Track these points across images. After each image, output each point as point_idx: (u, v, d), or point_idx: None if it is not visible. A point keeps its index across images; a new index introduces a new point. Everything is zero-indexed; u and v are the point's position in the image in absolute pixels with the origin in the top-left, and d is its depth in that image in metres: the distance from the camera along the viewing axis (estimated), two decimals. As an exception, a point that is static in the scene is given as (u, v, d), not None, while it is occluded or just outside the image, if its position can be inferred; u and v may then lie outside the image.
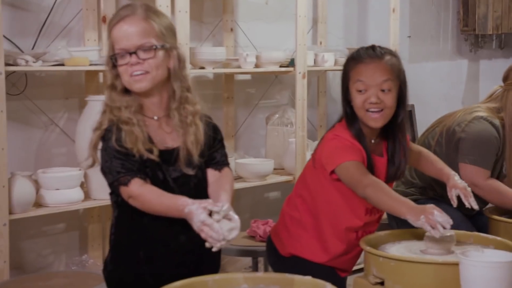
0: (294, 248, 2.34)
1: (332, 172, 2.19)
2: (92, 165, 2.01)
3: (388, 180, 2.30)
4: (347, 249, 2.34)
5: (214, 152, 2.07)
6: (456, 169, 2.75)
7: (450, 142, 2.78)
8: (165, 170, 1.97)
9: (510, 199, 2.70)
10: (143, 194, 1.88)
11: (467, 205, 2.23)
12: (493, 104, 2.82)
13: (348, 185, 2.19)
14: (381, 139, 2.30)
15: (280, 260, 2.39)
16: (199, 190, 2.03)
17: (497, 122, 2.75)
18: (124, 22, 1.92)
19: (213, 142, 2.08)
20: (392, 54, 2.23)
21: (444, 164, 2.34)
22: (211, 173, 2.07)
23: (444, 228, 1.99)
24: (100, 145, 1.97)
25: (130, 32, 1.91)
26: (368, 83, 2.17)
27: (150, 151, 1.92)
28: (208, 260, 2.07)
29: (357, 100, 2.19)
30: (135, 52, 1.91)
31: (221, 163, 2.09)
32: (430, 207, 2.02)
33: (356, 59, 2.21)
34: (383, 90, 2.17)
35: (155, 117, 2.00)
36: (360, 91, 2.18)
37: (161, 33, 1.95)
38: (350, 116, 2.24)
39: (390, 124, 2.24)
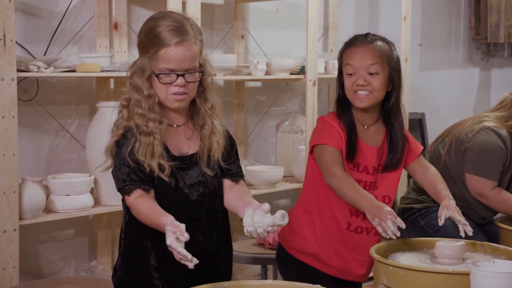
0: (294, 242, 2.36)
1: (312, 151, 2.29)
2: (108, 167, 2.04)
3: (385, 169, 2.33)
4: (341, 238, 2.33)
5: (230, 163, 2.10)
6: (464, 182, 2.76)
7: (458, 152, 2.78)
8: (180, 176, 1.98)
9: None
10: (137, 206, 1.93)
11: (461, 233, 2.20)
12: (501, 112, 2.82)
13: (320, 170, 2.27)
14: (381, 127, 2.34)
15: (283, 256, 2.41)
16: (213, 197, 2.05)
17: (504, 132, 2.74)
18: (182, 46, 1.93)
19: (230, 153, 2.10)
20: (384, 40, 2.31)
21: (445, 187, 2.32)
22: (227, 183, 2.10)
23: (395, 234, 2.05)
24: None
25: (185, 57, 1.94)
26: (356, 66, 2.25)
27: (162, 169, 1.94)
28: (219, 266, 2.07)
29: (347, 82, 2.28)
30: (183, 75, 1.94)
31: (237, 174, 2.12)
32: (386, 212, 2.06)
33: (348, 44, 2.31)
34: (371, 74, 2.23)
35: (175, 125, 2.03)
36: (349, 74, 2.27)
37: (201, 53, 2.00)
38: (342, 98, 2.32)
39: (384, 110, 2.31)
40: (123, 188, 1.94)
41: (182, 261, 1.77)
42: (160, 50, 1.92)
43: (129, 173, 1.93)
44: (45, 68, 2.93)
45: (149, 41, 1.95)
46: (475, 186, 2.74)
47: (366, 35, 2.30)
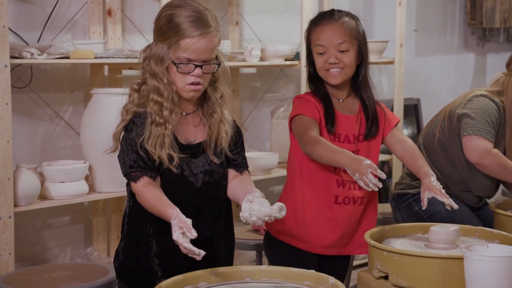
0: (280, 226, 2.37)
1: (291, 128, 2.32)
2: (114, 150, 2.04)
3: (366, 137, 2.37)
4: (328, 213, 2.35)
5: (236, 153, 2.11)
6: (460, 154, 2.74)
7: (451, 124, 2.77)
8: (186, 165, 1.99)
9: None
10: (143, 194, 1.93)
11: (446, 206, 2.21)
12: (493, 87, 2.83)
13: (297, 141, 2.30)
14: (355, 99, 2.39)
15: (270, 241, 2.43)
16: (218, 186, 2.06)
17: (497, 100, 2.75)
18: (204, 38, 1.93)
19: (236, 143, 2.11)
20: (350, 16, 2.34)
21: (425, 162, 2.34)
22: (231, 173, 2.11)
23: (377, 186, 2.06)
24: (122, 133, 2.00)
25: (206, 49, 1.95)
26: (326, 46, 2.30)
27: (171, 160, 1.94)
28: (220, 255, 2.08)
29: (318, 62, 2.32)
30: (201, 66, 1.95)
31: (242, 165, 2.13)
32: (366, 166, 2.07)
33: (315, 23, 2.34)
34: (341, 51, 2.28)
35: (184, 113, 2.03)
36: (320, 53, 2.30)
37: (219, 45, 2.01)
38: (313, 76, 2.38)
39: (356, 83, 2.37)
40: (130, 174, 1.95)
41: (189, 255, 1.79)
42: (182, 40, 1.93)
43: (136, 160, 1.93)
44: (39, 55, 2.93)
45: (170, 29, 1.94)
46: (476, 147, 2.65)
47: (332, 12, 2.34)
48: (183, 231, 1.78)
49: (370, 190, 2.08)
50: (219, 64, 2.01)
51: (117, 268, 2.08)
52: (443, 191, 2.24)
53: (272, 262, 2.43)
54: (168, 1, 2.06)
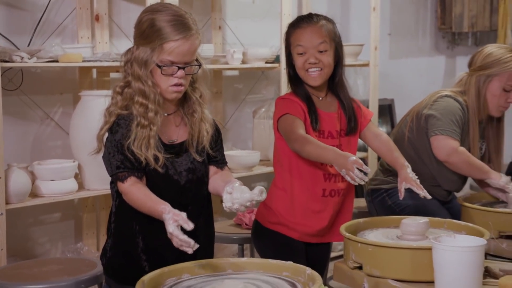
0: (270, 217, 2.39)
1: (278, 128, 2.31)
2: (98, 152, 2.01)
3: (348, 133, 2.38)
4: (315, 206, 2.36)
5: (216, 151, 2.10)
6: (428, 151, 2.76)
7: (419, 124, 2.78)
8: (170, 164, 1.98)
9: (479, 168, 2.71)
10: (131, 192, 1.91)
11: (421, 196, 2.23)
12: (457, 88, 2.85)
13: (285, 139, 2.29)
14: (333, 97, 2.41)
15: (259, 230, 2.44)
16: (200, 183, 2.05)
17: (461, 99, 2.77)
18: (187, 41, 1.92)
19: (216, 141, 2.11)
20: (327, 19, 2.36)
21: (400, 154, 2.36)
22: (212, 170, 2.10)
23: (363, 180, 2.07)
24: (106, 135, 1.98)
25: (188, 51, 1.93)
26: (306, 46, 2.30)
27: (156, 160, 1.93)
28: (202, 248, 2.08)
29: (298, 62, 2.33)
30: (183, 68, 1.94)
31: (222, 161, 2.13)
32: (352, 162, 2.07)
33: (295, 26, 2.35)
34: (320, 51, 2.29)
35: (166, 114, 2.01)
36: (300, 54, 2.31)
37: (199, 47, 2.00)
38: (293, 77, 2.38)
39: (333, 83, 2.38)
40: (117, 175, 1.92)
41: (182, 248, 1.77)
42: (166, 43, 1.91)
43: (123, 161, 1.91)
44: (29, 59, 2.91)
45: (153, 33, 1.92)
46: (443, 146, 2.67)
47: (310, 15, 2.36)
48: (178, 223, 1.77)
49: (356, 184, 2.09)
50: (200, 65, 2.01)
51: (105, 264, 2.06)
52: (418, 181, 2.25)
53: (261, 250, 2.44)
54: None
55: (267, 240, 2.41)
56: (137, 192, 1.91)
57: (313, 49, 2.29)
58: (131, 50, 1.99)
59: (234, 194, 1.86)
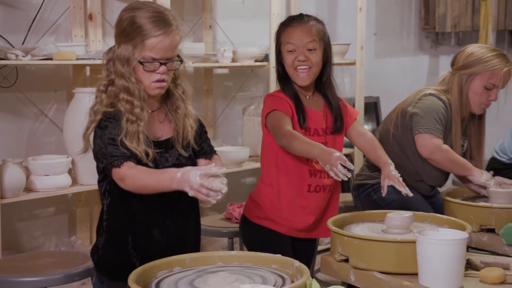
0: (257, 212, 2.38)
1: (266, 124, 2.31)
2: (85, 151, 1.98)
3: (334, 131, 2.38)
4: (301, 201, 2.35)
5: (201, 143, 2.09)
6: (413, 148, 2.76)
7: (404, 121, 2.79)
8: (159, 160, 1.95)
9: (461, 165, 2.72)
10: (131, 174, 1.84)
11: (402, 193, 2.24)
12: (440, 86, 2.86)
13: (272, 135, 2.29)
14: (320, 95, 2.41)
15: (247, 225, 2.44)
16: None
17: (444, 98, 2.78)
18: (168, 37, 1.90)
19: (200, 134, 2.10)
20: (317, 20, 2.37)
21: (384, 152, 2.37)
22: (202, 162, 2.09)
23: (346, 176, 2.07)
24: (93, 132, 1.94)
25: (169, 47, 1.92)
26: (296, 44, 2.31)
27: (147, 154, 1.91)
28: (190, 241, 2.07)
29: (288, 59, 2.33)
30: (165, 63, 1.92)
31: (210, 152, 2.12)
32: (336, 158, 2.07)
33: (286, 25, 2.36)
34: (309, 50, 2.29)
35: (150, 110, 1.99)
36: (290, 51, 2.32)
37: (179, 42, 1.97)
38: (282, 75, 2.38)
39: (320, 83, 2.38)
40: (112, 163, 1.85)
41: (210, 198, 1.74)
42: (147, 39, 1.89)
43: (116, 149, 1.86)
44: (23, 56, 2.89)
45: (134, 30, 1.90)
46: (427, 144, 2.67)
47: (301, 15, 2.36)
48: (201, 175, 1.74)
49: (340, 180, 2.09)
50: (181, 61, 1.99)
51: (97, 261, 2.03)
52: (401, 179, 2.26)
53: (248, 244, 2.44)
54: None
55: (255, 234, 2.41)
56: (138, 172, 1.84)
57: (302, 47, 2.30)
58: (112, 49, 1.97)
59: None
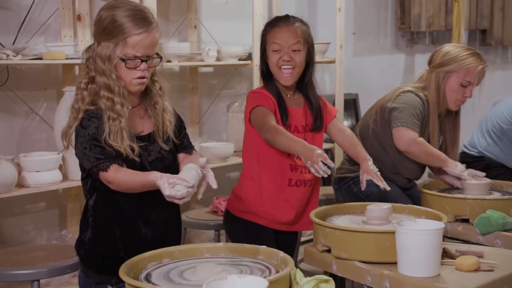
0: (240, 206, 2.38)
1: (250, 120, 2.30)
2: (66, 149, 1.96)
3: (313, 129, 2.39)
4: (282, 195, 2.36)
5: (181, 138, 2.09)
6: (391, 142, 2.78)
7: (383, 117, 2.81)
8: (142, 155, 1.95)
9: (437, 157, 2.73)
10: (118, 178, 1.85)
11: (380, 187, 2.26)
12: (418, 84, 2.89)
13: (257, 130, 2.28)
14: (300, 94, 2.41)
15: (230, 219, 2.43)
16: (170, 171, 2.00)
17: (421, 94, 2.80)
18: (149, 34, 1.90)
19: (180, 129, 2.09)
20: (302, 22, 2.37)
21: (363, 148, 2.39)
22: (182, 156, 2.09)
23: (326, 173, 2.07)
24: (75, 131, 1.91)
25: (150, 44, 1.91)
26: (282, 44, 2.30)
27: (132, 149, 1.90)
28: (173, 232, 2.07)
29: (273, 58, 2.32)
30: (146, 60, 1.91)
31: (189, 147, 2.12)
32: (317, 155, 2.07)
33: (273, 25, 2.35)
34: (294, 51, 2.30)
35: (130, 107, 1.97)
36: (275, 51, 2.31)
37: (159, 40, 1.97)
38: (266, 74, 2.38)
39: (302, 83, 2.38)
40: (98, 166, 1.85)
41: (184, 200, 1.77)
42: (129, 37, 1.88)
43: (102, 151, 1.86)
44: (14, 56, 2.87)
45: (115, 28, 1.88)
46: (404, 137, 2.68)
47: (288, 16, 2.36)
48: (173, 185, 1.77)
49: (320, 176, 2.09)
50: (161, 58, 1.98)
51: (83, 255, 2.00)
52: (379, 173, 2.27)
53: (233, 238, 2.43)
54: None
55: (238, 228, 2.41)
56: (123, 175, 1.85)
57: (287, 48, 2.30)
58: (92, 47, 1.94)
59: (183, 174, 1.85)
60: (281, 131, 2.20)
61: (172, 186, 1.78)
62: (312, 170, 2.09)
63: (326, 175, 2.08)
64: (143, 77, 1.93)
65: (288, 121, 2.33)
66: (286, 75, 2.32)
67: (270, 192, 2.34)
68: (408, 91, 2.80)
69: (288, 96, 2.38)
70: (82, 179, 1.98)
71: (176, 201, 1.79)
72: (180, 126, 2.09)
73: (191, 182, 1.80)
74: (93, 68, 1.92)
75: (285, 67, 2.31)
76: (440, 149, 2.89)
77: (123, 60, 1.89)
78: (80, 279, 2.04)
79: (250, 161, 2.39)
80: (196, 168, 1.88)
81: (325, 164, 2.07)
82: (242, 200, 2.38)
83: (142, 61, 1.91)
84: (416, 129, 2.71)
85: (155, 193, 1.94)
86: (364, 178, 2.27)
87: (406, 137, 2.69)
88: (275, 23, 2.35)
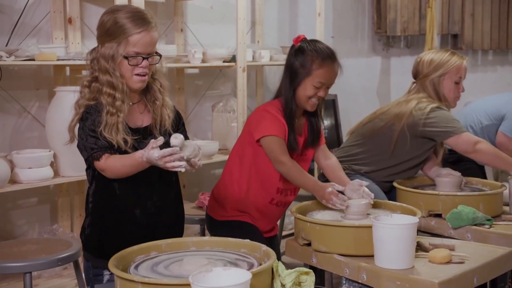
0: (221, 194, 2.37)
1: (258, 140, 2.27)
2: (71, 142, 2.00)
3: (307, 146, 2.37)
4: (263, 209, 2.36)
5: (181, 132, 2.07)
6: (404, 152, 2.77)
7: (415, 133, 2.74)
8: (138, 146, 1.96)
9: (504, 158, 2.70)
10: (109, 164, 1.89)
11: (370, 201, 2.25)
12: (421, 95, 2.85)
13: (268, 156, 2.27)
14: (302, 118, 2.38)
15: (214, 224, 2.42)
16: None
17: (443, 106, 2.81)
18: (149, 33, 1.93)
19: (178, 125, 2.11)
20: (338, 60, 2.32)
21: (344, 174, 2.40)
22: None
23: (343, 205, 2.14)
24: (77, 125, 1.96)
25: (150, 42, 1.94)
26: (326, 84, 2.27)
27: (126, 142, 1.91)
28: (172, 224, 2.06)
29: (310, 92, 2.26)
30: (147, 58, 1.94)
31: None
32: (329, 193, 2.15)
33: (322, 62, 2.25)
34: (327, 87, 2.29)
35: (131, 103, 2.00)
36: (316, 87, 2.25)
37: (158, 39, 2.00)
38: (289, 99, 2.28)
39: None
40: (92, 155, 1.90)
41: (178, 164, 1.80)
42: (131, 36, 1.92)
43: (96, 142, 1.89)
44: (7, 57, 2.84)
45: (117, 29, 1.92)
46: (467, 140, 2.69)
47: (333, 53, 2.29)
48: (156, 147, 1.81)
49: (338, 209, 2.16)
50: (160, 56, 2.00)
51: (84, 240, 2.04)
52: (367, 190, 2.25)
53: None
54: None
55: (223, 230, 2.39)
56: (114, 162, 1.89)
57: (328, 86, 2.29)
58: (96, 49, 1.99)
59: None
60: (295, 168, 2.22)
61: (157, 149, 1.81)
62: (329, 205, 2.16)
63: (343, 207, 2.14)
64: (144, 74, 1.96)
65: (296, 148, 2.31)
66: (314, 103, 2.29)
67: (251, 204, 2.34)
68: (436, 107, 2.73)
69: (296, 121, 2.32)
70: (86, 169, 2.02)
71: (171, 165, 1.80)
72: (178, 122, 2.11)
73: (174, 143, 1.80)
74: (97, 68, 1.96)
75: (314, 99, 2.28)
76: (435, 148, 2.89)
77: (125, 57, 1.93)
78: (84, 264, 2.08)
79: (240, 171, 2.35)
80: (193, 142, 1.91)
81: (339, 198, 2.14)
82: (225, 207, 2.36)
83: (144, 58, 1.94)
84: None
85: (151, 181, 1.97)
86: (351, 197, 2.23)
87: (471, 139, 2.69)
88: (325, 62, 2.24)
